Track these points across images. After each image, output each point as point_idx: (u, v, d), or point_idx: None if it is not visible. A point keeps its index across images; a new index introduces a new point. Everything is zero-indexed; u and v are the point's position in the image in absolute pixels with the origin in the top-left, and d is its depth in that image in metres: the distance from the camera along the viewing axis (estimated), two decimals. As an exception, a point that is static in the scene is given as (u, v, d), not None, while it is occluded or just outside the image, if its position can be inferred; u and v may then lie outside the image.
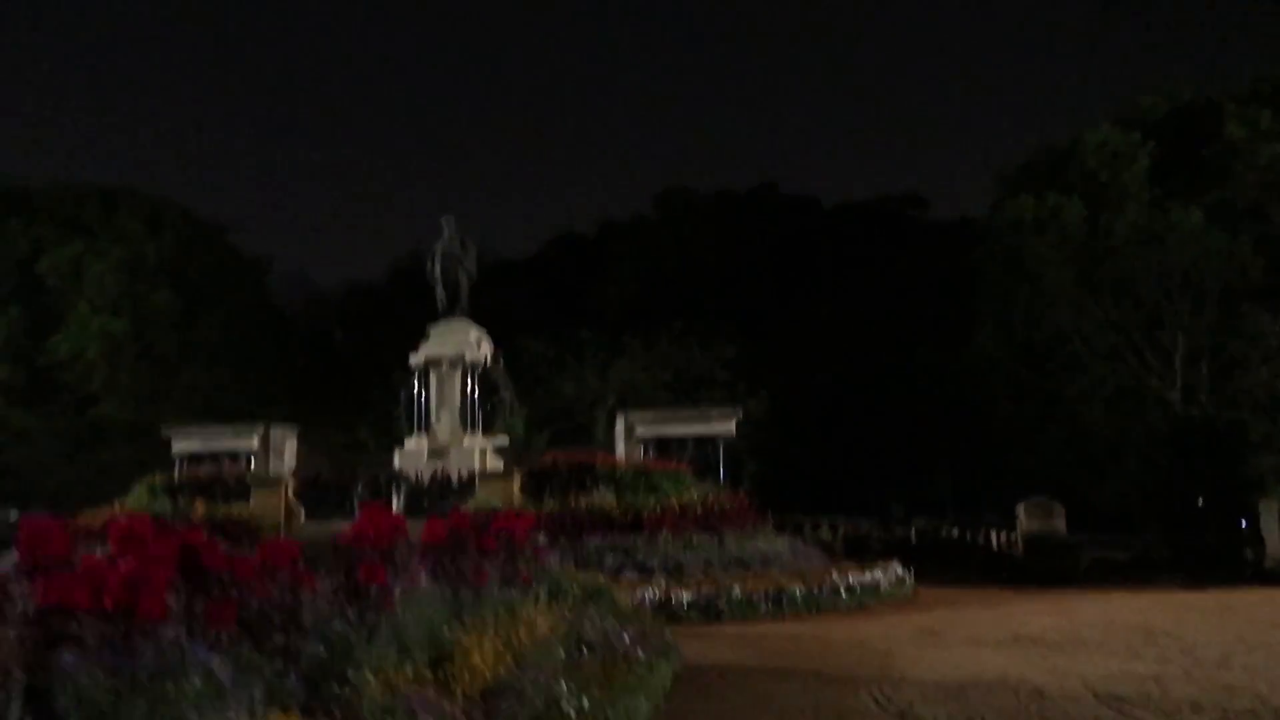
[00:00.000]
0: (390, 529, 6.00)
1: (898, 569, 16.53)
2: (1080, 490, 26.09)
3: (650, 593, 13.20)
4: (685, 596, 13.16)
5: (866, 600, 14.47)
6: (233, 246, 43.87)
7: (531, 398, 28.07)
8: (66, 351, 33.92)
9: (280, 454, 21.85)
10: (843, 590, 14.26)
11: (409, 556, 6.21)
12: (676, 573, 14.63)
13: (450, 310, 22.11)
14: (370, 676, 4.48)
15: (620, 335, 29.87)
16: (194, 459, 21.62)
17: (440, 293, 22.21)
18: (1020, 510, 20.33)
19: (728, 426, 20.27)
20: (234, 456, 21.52)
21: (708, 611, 13.05)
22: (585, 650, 6.72)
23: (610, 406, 24.62)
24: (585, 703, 5.50)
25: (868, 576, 15.12)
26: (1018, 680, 8.68)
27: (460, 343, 21.53)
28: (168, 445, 22.18)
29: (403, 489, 18.31)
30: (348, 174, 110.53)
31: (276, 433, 22.05)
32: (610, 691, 6.14)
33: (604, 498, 16.53)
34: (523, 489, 17.48)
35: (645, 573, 14.59)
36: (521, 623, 6.54)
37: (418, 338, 21.88)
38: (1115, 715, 7.29)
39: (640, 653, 7.20)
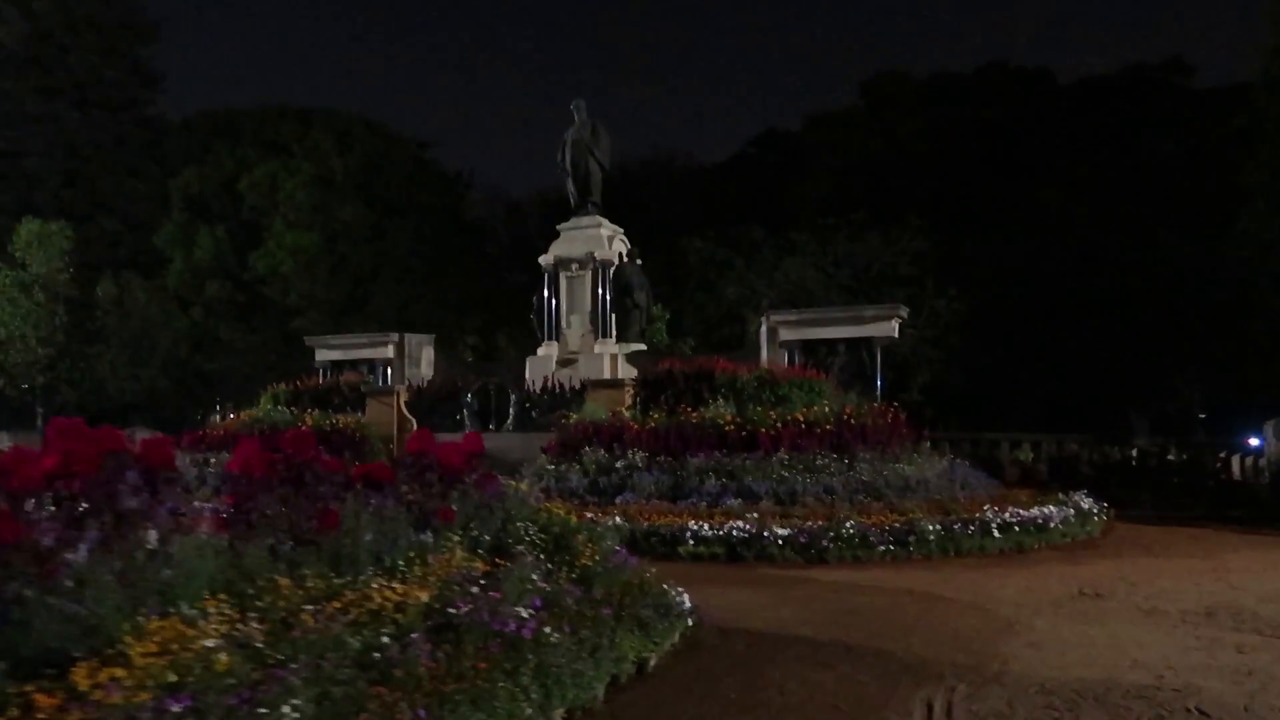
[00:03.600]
0: (87, 452, 4.11)
1: (1084, 501, 13.20)
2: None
3: (740, 526, 10.92)
4: (781, 532, 10.76)
5: (1027, 541, 11.42)
6: (428, 161, 44.33)
7: (691, 302, 25.97)
8: (264, 267, 35.40)
9: (417, 362, 21.12)
10: (995, 528, 11.29)
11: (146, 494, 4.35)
12: (789, 500, 12.24)
13: (581, 205, 20.18)
14: None
15: (789, 232, 26.84)
16: (337, 367, 21.38)
17: (570, 186, 20.29)
18: (1269, 429, 15.97)
19: (887, 328, 17.16)
20: (372, 365, 21.07)
21: (808, 551, 10.61)
22: (446, 636, 4.66)
23: (764, 309, 21.99)
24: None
25: (1035, 511, 11.98)
26: (1176, 690, 5.77)
27: (590, 240, 19.62)
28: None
29: (512, 399, 16.87)
30: (545, 86, 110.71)
31: (413, 341, 21.30)
32: (440, 710, 4.12)
33: (719, 411, 14.23)
34: (634, 400, 15.52)
35: (750, 499, 12.29)
36: (345, 595, 4.59)
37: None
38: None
39: (555, 635, 5.05)
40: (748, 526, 10.89)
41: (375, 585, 4.71)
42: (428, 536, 5.86)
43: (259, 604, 4.35)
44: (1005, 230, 31.57)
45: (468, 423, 16.93)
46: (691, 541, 10.89)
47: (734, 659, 6.52)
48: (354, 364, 21.05)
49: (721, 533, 10.90)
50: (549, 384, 17.17)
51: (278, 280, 35.60)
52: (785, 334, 17.67)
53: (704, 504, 12.27)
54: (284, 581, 4.44)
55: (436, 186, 42.45)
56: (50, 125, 35.74)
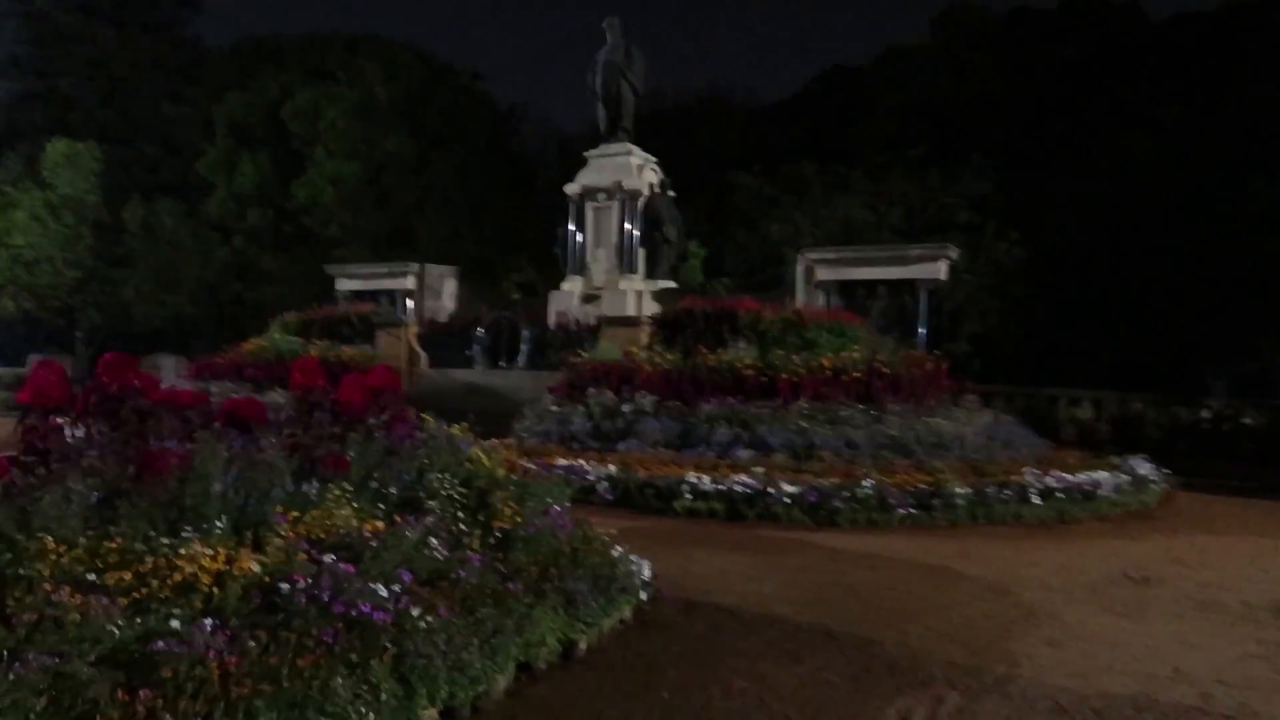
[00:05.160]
0: None
1: (1141, 467, 11.80)
2: None
3: (744, 481, 9.83)
4: (789, 489, 9.65)
5: (1071, 511, 10.12)
6: (478, 92, 43.07)
7: (733, 240, 24.61)
8: (306, 196, 34.77)
9: (438, 295, 20.25)
10: (1034, 494, 10.03)
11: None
12: (805, 454, 11.09)
13: (612, 131, 18.92)
14: None
15: (842, 168, 25.17)
16: (357, 296, 20.63)
17: (600, 111, 19.03)
18: (1363, 395, 14.26)
19: (933, 269, 15.71)
20: (392, 296, 20.28)
21: (817, 512, 9.48)
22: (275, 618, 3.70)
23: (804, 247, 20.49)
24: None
25: (1083, 476, 10.66)
26: (1227, 717, 4.59)
27: (619, 169, 18.40)
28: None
29: (527, 336, 15.90)
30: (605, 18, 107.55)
31: (434, 272, 20.42)
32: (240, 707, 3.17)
33: (739, 354, 13.07)
34: (652, 339, 14.41)
35: (763, 451, 11.18)
36: (145, 563, 3.64)
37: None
38: None
39: (427, 618, 4.07)
40: (753, 482, 9.80)
41: (187, 551, 3.74)
42: (312, 489, 4.91)
43: (19, 572, 3.43)
44: (1078, 174, 29.36)
45: (477, 359, 16.04)
46: (689, 496, 9.87)
47: (688, 644, 5.49)
48: (374, 294, 20.27)
49: (723, 488, 9.84)
50: (563, 320, 16.16)
51: (319, 210, 34.98)
52: (822, 274, 16.34)
53: (712, 454, 11.20)
54: (52, 542, 3.50)
55: (485, 119, 41.21)
56: (86, 45, 35.13)
